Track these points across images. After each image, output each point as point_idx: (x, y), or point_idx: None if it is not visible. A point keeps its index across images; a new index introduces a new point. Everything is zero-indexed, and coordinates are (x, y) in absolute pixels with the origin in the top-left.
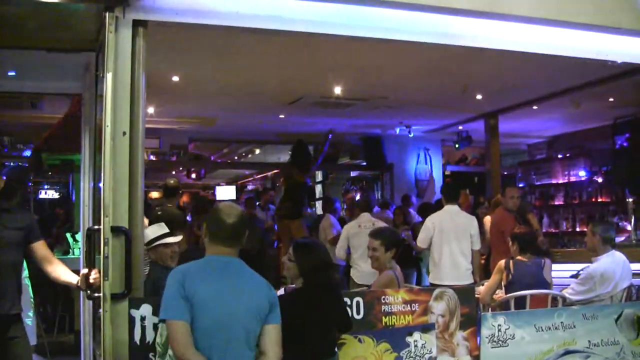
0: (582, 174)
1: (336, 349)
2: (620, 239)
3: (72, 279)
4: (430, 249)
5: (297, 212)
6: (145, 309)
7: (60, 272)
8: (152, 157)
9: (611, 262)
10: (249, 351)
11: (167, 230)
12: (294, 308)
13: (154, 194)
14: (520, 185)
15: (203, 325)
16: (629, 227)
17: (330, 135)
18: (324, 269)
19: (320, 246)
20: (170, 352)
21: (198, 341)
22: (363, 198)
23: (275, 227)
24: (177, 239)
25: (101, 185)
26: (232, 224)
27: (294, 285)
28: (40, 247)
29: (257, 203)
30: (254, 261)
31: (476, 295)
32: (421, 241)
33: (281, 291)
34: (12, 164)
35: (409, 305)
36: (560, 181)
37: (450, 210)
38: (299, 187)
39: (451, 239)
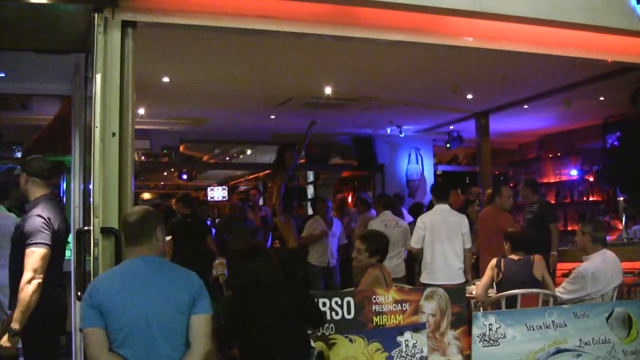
0: (573, 173)
1: (312, 345)
2: (611, 237)
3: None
4: (422, 248)
5: (282, 209)
6: None
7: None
8: (144, 158)
9: (602, 261)
10: (175, 345)
11: None
12: (231, 317)
13: (146, 195)
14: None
15: (118, 328)
16: (620, 226)
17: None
18: (253, 290)
19: (259, 259)
20: None
21: (119, 345)
22: (384, 195)
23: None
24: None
25: (91, 186)
26: (133, 221)
27: None
28: (25, 255)
29: (249, 203)
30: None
31: (467, 295)
32: (414, 242)
33: None
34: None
35: (399, 305)
36: (552, 180)
37: (441, 209)
38: (288, 191)
39: (443, 238)
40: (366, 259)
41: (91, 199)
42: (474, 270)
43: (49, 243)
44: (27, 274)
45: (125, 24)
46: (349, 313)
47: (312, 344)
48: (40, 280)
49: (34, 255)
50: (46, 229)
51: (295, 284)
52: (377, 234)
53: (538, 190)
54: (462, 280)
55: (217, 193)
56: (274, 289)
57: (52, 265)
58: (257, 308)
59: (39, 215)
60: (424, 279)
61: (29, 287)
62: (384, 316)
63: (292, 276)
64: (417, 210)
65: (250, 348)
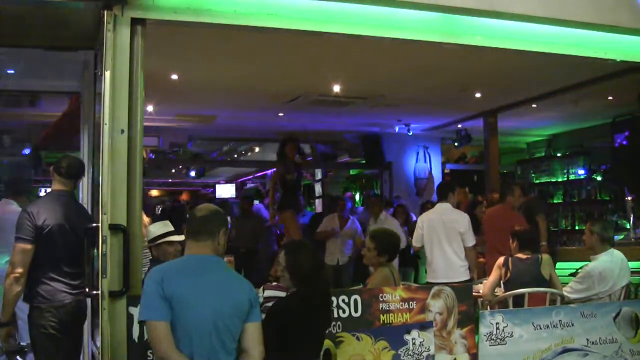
0: (581, 172)
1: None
2: (619, 237)
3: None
4: (424, 248)
5: (285, 204)
6: None
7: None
8: (152, 155)
9: (610, 260)
10: (230, 349)
11: (171, 228)
12: (289, 312)
13: (154, 192)
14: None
15: (184, 324)
16: (627, 226)
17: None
18: (315, 272)
19: (309, 248)
20: None
21: (179, 341)
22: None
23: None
24: (181, 237)
25: (100, 183)
26: (201, 216)
27: (274, 283)
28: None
29: (259, 201)
30: (243, 259)
31: (474, 293)
32: (415, 240)
33: (271, 292)
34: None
35: (406, 303)
36: (560, 179)
37: (441, 208)
38: (289, 184)
39: (441, 237)
40: (374, 257)
41: (99, 196)
42: (482, 270)
43: (28, 237)
44: (8, 269)
45: (134, 22)
46: (356, 311)
47: None
48: (17, 275)
49: (14, 250)
50: (26, 223)
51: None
52: (387, 232)
53: (527, 193)
54: (465, 277)
55: (225, 190)
56: (319, 285)
57: (42, 260)
58: (303, 304)
59: (25, 210)
60: (428, 277)
61: (6, 281)
62: (391, 314)
63: None
64: (423, 210)
65: (283, 346)
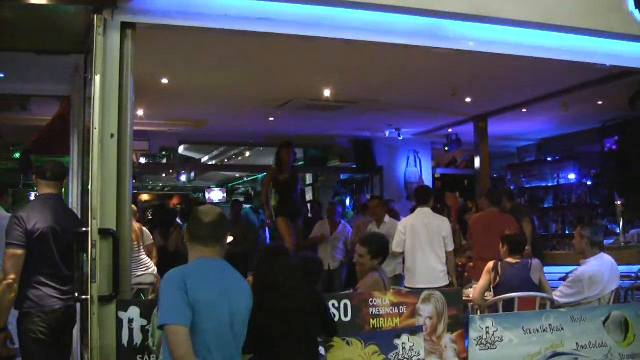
0: (572, 176)
1: (323, 352)
2: (609, 241)
3: None
4: (405, 252)
5: (279, 210)
6: (133, 312)
7: None
8: (142, 160)
9: (599, 264)
10: (240, 355)
11: None
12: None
13: (144, 197)
14: (511, 188)
15: (203, 329)
16: (617, 230)
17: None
18: (279, 286)
19: (279, 258)
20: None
21: (196, 345)
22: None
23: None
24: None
25: (89, 187)
26: (209, 222)
27: None
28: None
29: (250, 206)
30: (237, 261)
31: (464, 298)
32: (395, 246)
33: None
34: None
35: (396, 308)
36: (550, 184)
37: (422, 212)
38: (281, 186)
39: (423, 242)
40: (369, 261)
41: (89, 200)
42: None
43: (19, 243)
44: (0, 276)
45: (124, 26)
46: (346, 315)
47: (322, 351)
48: (10, 281)
49: (5, 256)
50: (16, 228)
51: (313, 289)
52: (377, 236)
53: (514, 199)
54: (445, 283)
55: (216, 195)
56: (292, 291)
57: (33, 264)
58: (274, 311)
59: (14, 215)
60: (407, 282)
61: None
62: (381, 319)
63: (312, 282)
64: None
65: (264, 352)
